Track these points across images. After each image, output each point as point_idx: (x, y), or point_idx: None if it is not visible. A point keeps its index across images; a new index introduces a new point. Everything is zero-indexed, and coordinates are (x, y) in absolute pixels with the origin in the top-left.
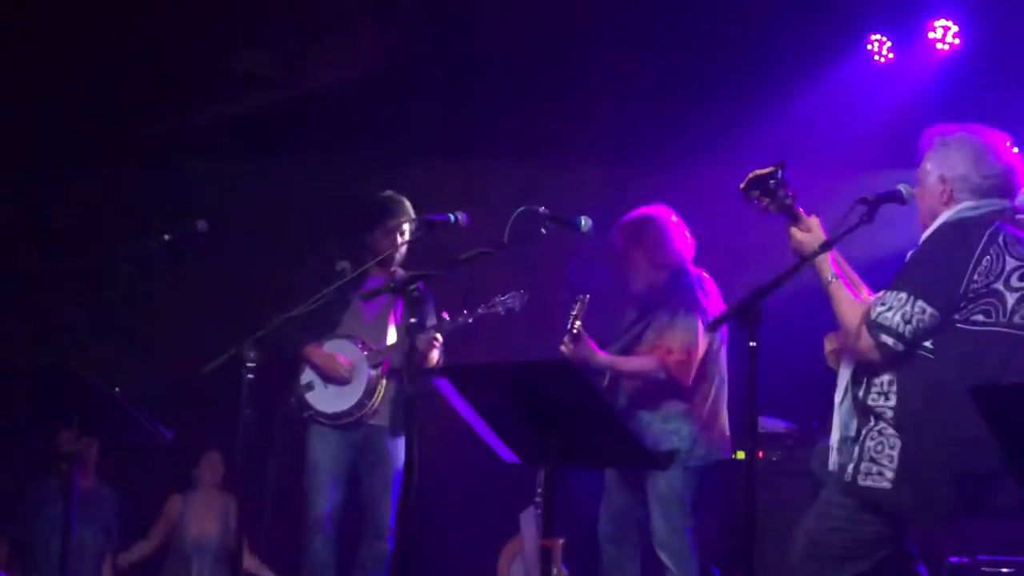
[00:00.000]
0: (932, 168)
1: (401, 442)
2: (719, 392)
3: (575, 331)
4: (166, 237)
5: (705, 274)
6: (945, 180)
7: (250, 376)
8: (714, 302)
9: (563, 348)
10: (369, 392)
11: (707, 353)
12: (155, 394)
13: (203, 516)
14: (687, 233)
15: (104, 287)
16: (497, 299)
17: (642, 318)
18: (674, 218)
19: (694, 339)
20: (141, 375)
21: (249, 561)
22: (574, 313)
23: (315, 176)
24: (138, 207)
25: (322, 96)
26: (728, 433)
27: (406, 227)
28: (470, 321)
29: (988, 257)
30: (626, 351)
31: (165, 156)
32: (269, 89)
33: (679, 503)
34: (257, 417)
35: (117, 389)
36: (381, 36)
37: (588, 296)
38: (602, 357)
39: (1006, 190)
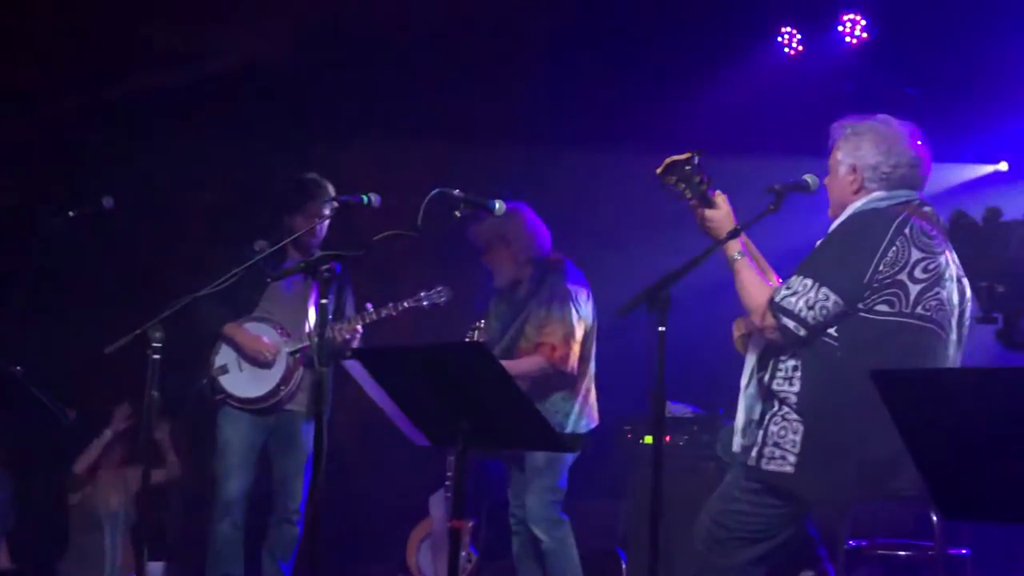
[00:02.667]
0: (843, 158)
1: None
2: (591, 369)
3: None
4: (71, 213)
5: (565, 259)
6: (856, 169)
7: (156, 357)
8: (580, 285)
9: None
10: (286, 379)
11: (584, 336)
12: (60, 375)
13: (110, 488)
14: (543, 225)
15: (7, 264)
16: (422, 294)
17: (517, 314)
18: (529, 212)
19: (572, 328)
20: (45, 356)
21: None
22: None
23: (228, 154)
24: (46, 182)
25: (234, 73)
26: (596, 403)
27: (327, 210)
28: (394, 314)
29: (894, 248)
30: (509, 350)
31: (73, 130)
32: (180, 64)
33: (555, 476)
34: (165, 399)
35: (19, 368)
36: (294, 14)
37: (483, 322)
38: None
39: (914, 180)
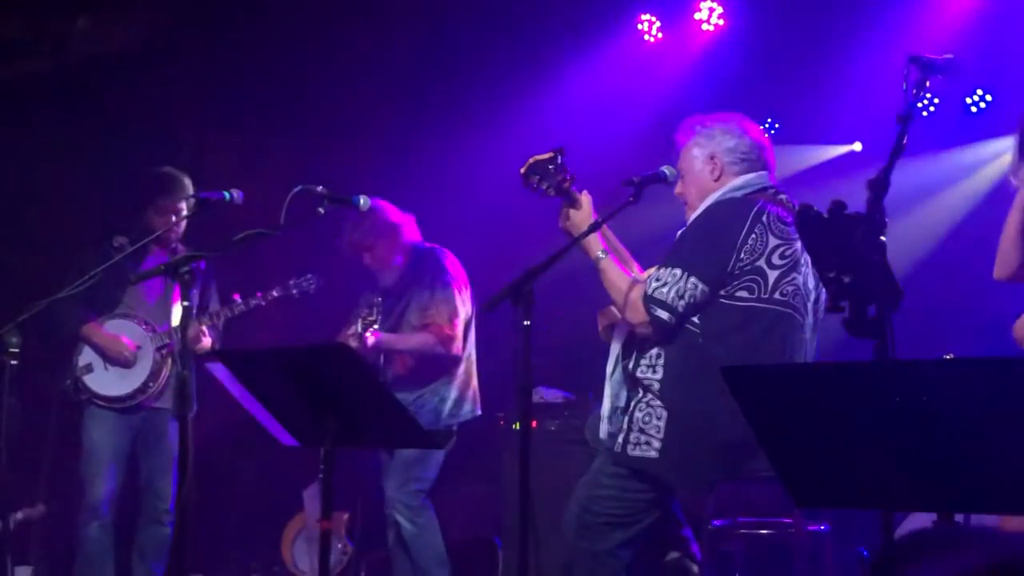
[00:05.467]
0: (699, 152)
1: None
2: (472, 355)
3: (365, 336)
4: None
5: (437, 247)
6: (714, 157)
7: (13, 363)
8: (460, 271)
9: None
10: (154, 375)
11: (464, 322)
12: None
13: None
14: (406, 214)
15: None
16: (291, 281)
17: (398, 299)
18: (388, 205)
19: (455, 311)
20: None
21: None
22: (371, 318)
23: (86, 148)
24: None
25: (90, 65)
26: (478, 391)
27: (182, 205)
28: (263, 304)
29: (753, 235)
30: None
31: None
32: (33, 57)
33: (423, 467)
34: (26, 404)
35: None
36: (151, 5)
37: (381, 299)
38: (382, 337)
39: (767, 164)
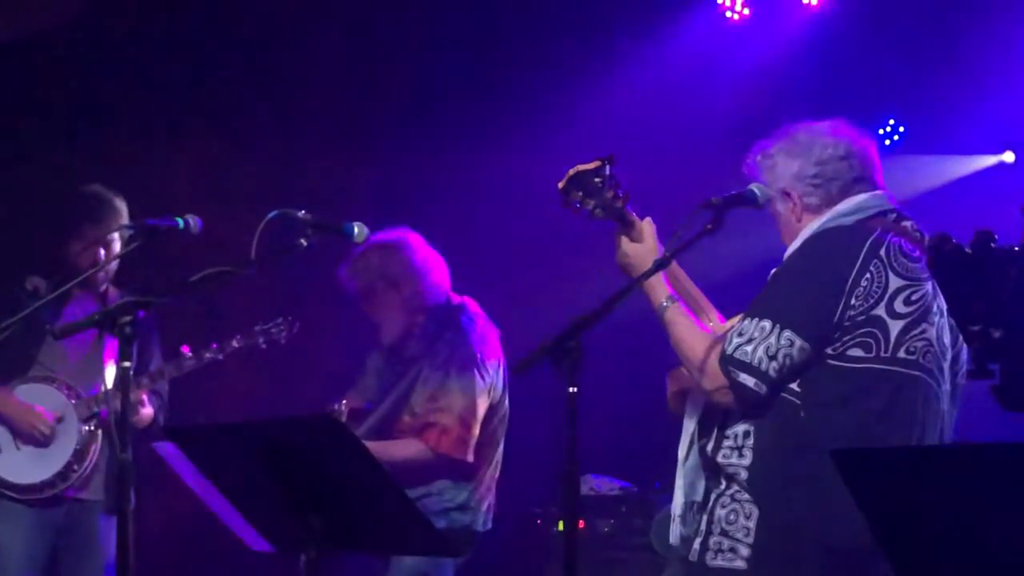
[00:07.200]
0: (770, 192)
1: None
2: (499, 454)
3: None
4: None
5: (470, 304)
6: (788, 194)
7: None
8: (490, 344)
9: None
10: (79, 456)
11: (489, 411)
12: None
13: None
14: (437, 257)
15: None
16: (257, 328)
17: (404, 372)
18: (418, 242)
19: (472, 406)
20: None
21: None
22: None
23: None
24: None
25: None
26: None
27: (115, 236)
28: (220, 357)
29: (868, 275)
30: (387, 420)
31: None
32: None
33: None
34: None
35: None
36: None
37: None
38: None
39: (859, 175)
